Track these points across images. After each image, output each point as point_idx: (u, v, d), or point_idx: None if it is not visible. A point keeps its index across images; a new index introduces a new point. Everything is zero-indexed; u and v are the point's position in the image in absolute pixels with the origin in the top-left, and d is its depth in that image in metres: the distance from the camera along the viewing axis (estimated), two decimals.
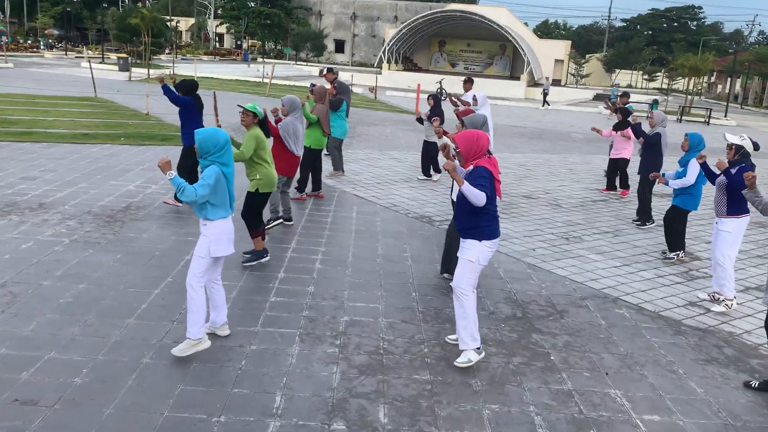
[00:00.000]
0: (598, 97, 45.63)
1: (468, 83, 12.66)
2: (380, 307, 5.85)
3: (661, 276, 7.30)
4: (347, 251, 7.33)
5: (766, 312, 5.10)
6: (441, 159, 6.76)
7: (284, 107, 7.89)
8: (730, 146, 6.17)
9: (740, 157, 6.15)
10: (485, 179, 4.64)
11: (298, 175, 8.82)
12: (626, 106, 12.29)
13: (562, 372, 4.90)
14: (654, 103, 32.61)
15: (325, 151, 10.08)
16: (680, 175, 7.53)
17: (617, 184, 11.73)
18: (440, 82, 34.52)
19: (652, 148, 9.25)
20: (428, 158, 11.64)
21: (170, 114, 17.80)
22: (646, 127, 9.64)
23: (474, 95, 10.50)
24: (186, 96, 8.46)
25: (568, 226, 9.25)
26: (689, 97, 35.79)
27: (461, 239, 4.87)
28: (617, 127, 11.36)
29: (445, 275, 6.57)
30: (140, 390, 4.23)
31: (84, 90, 22.37)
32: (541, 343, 5.37)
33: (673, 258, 7.83)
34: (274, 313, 5.55)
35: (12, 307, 5.28)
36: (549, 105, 34.05)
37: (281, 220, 8.07)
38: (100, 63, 36.73)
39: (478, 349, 4.90)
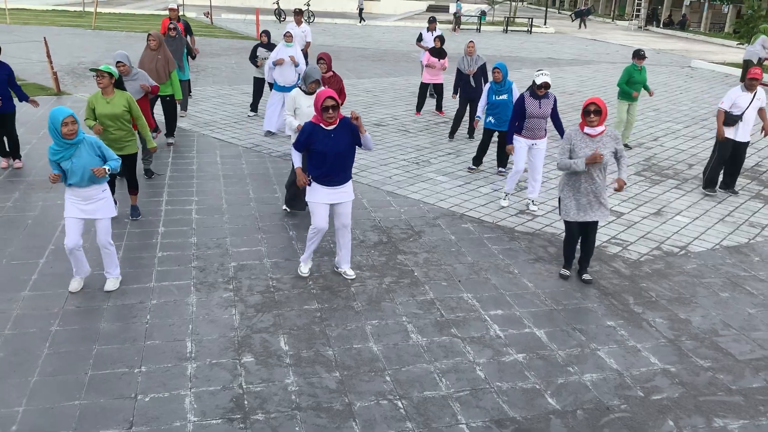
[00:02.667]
0: (431, 9, 46.94)
1: (299, 15, 13.03)
2: (263, 249, 6.49)
3: (496, 191, 8.53)
4: (220, 198, 7.79)
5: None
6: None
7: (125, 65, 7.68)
8: (548, 85, 7.30)
9: (546, 90, 7.38)
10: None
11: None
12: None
13: (425, 285, 5.91)
14: (482, 15, 34.36)
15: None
16: (503, 102, 8.65)
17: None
18: (277, 2, 33.81)
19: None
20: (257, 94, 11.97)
21: None
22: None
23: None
24: None
25: (417, 150, 10.25)
26: (513, 4, 38.03)
27: (344, 183, 5.59)
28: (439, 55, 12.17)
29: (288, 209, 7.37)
30: (58, 356, 4.64)
31: None
32: (406, 262, 6.34)
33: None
34: (164, 268, 6.01)
35: None
36: (364, 21, 34.41)
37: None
38: None
39: None
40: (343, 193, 5.66)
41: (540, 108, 7.45)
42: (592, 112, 5.66)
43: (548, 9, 42.61)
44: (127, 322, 5.09)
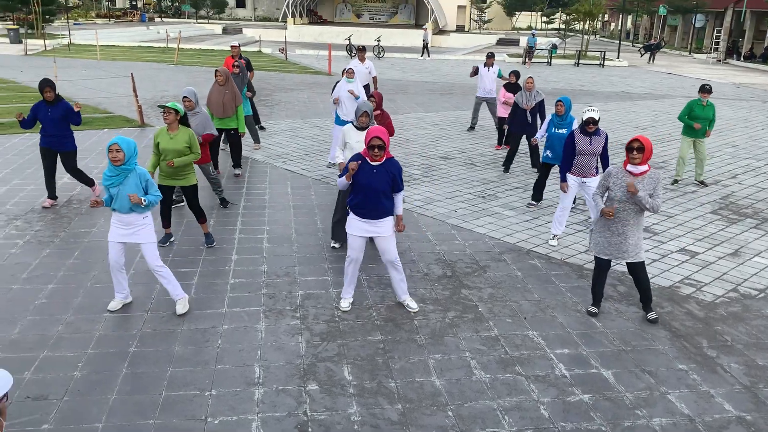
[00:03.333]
0: (501, 42, 47.11)
1: (362, 52, 13.40)
2: (329, 278, 6.64)
3: (567, 226, 8.43)
4: (290, 228, 8.03)
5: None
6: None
7: (191, 101, 7.95)
8: (595, 121, 7.22)
9: (597, 128, 7.34)
10: (401, 172, 5.69)
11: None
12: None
13: (489, 320, 5.89)
14: (553, 48, 34.22)
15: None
16: (562, 136, 8.54)
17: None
18: (349, 38, 34.73)
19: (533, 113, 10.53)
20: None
21: (81, 93, 17.53)
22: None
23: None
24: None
25: (483, 184, 10.27)
26: (585, 37, 37.67)
27: (379, 219, 5.68)
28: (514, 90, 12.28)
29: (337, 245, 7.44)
30: (135, 376, 4.87)
31: None
32: (470, 297, 6.35)
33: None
34: (236, 294, 6.23)
35: None
36: (429, 55, 34.74)
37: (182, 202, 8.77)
38: None
39: None
40: (379, 228, 5.72)
41: (590, 145, 7.36)
42: (635, 148, 5.56)
43: (621, 42, 41.98)
44: (200, 346, 5.31)
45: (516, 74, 12.27)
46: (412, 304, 6.03)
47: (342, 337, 5.51)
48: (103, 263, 6.81)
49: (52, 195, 8.56)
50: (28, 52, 28.40)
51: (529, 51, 32.18)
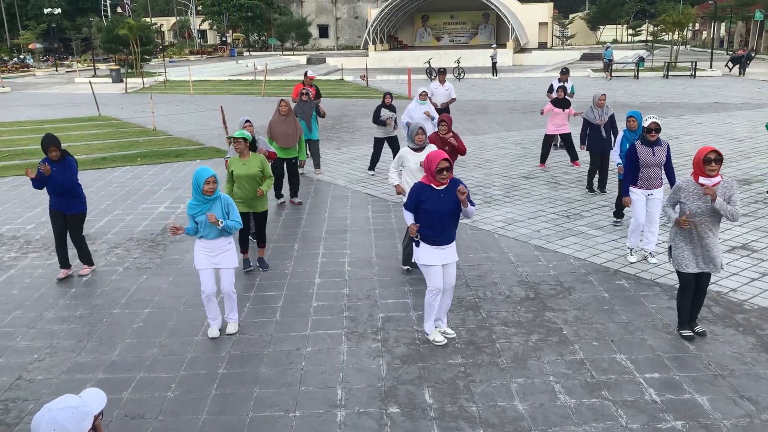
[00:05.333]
0: (585, 57, 46.12)
1: (442, 74, 13.47)
2: (409, 301, 6.67)
3: (656, 244, 8.09)
4: (370, 251, 8.14)
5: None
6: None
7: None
8: (658, 128, 7.08)
9: (658, 137, 7.19)
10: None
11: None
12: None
13: (574, 344, 5.73)
14: (640, 61, 33.17)
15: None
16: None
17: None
18: (429, 62, 35.03)
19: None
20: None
21: (176, 127, 18.54)
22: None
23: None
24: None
25: (567, 203, 10.04)
26: (674, 48, 36.30)
27: (449, 244, 5.60)
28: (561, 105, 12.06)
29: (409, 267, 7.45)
30: (224, 397, 5.06)
31: (86, 109, 23.05)
32: (554, 319, 6.20)
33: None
34: (319, 317, 6.37)
35: (94, 336, 6.10)
36: (497, 75, 34.28)
37: None
38: (93, 76, 37.23)
39: None
40: (449, 254, 5.63)
41: (654, 156, 7.17)
42: (713, 160, 5.37)
43: (714, 51, 40.10)
44: (284, 368, 5.45)
45: (564, 90, 12.06)
46: (450, 330, 5.92)
47: (423, 360, 5.51)
48: (195, 288, 7.14)
49: (64, 264, 7.57)
50: (128, 90, 30.38)
51: (608, 64, 31.35)
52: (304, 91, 11.79)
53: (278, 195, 10.38)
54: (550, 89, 13.78)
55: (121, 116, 21.43)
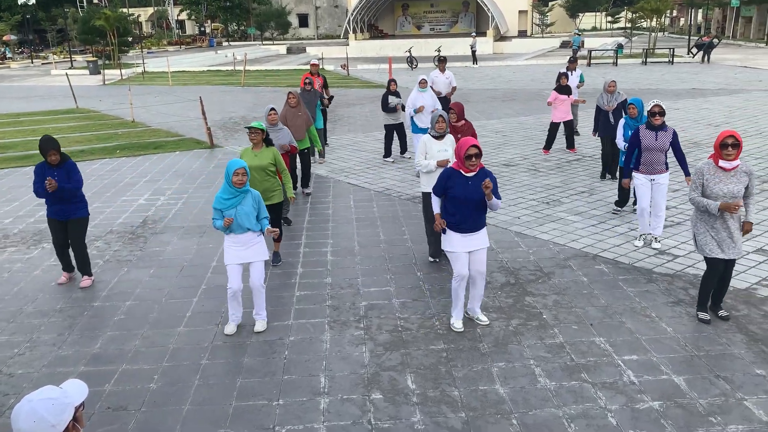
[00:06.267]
0: (565, 45, 46.28)
1: (443, 62, 13.48)
2: (391, 289, 6.71)
3: (633, 229, 8.21)
4: (353, 240, 8.16)
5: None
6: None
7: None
8: (662, 111, 7.17)
9: (663, 122, 7.26)
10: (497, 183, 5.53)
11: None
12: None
13: (554, 328, 5.81)
14: (619, 48, 33.35)
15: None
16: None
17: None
18: (409, 51, 34.95)
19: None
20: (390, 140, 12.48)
21: (155, 119, 18.37)
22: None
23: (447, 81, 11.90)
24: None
25: (547, 190, 10.12)
26: (653, 34, 36.53)
27: (477, 232, 5.61)
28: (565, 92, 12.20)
29: (436, 259, 7.36)
30: (207, 387, 5.07)
31: (63, 101, 22.73)
32: (534, 304, 6.27)
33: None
34: (301, 306, 6.39)
35: (75, 330, 6.07)
36: (477, 63, 34.35)
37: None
38: (70, 68, 36.70)
39: None
40: (478, 240, 5.64)
41: (656, 140, 7.22)
42: (730, 145, 5.41)
43: (691, 37, 40.40)
44: (268, 357, 5.46)
45: (566, 77, 12.26)
46: (483, 318, 5.95)
47: (405, 347, 5.56)
48: (177, 279, 7.12)
49: (68, 267, 7.25)
50: (106, 82, 30.01)
51: (576, 51, 31.45)
52: (307, 80, 11.77)
53: (294, 186, 10.28)
54: (558, 78, 13.82)
55: (99, 108, 21.17)
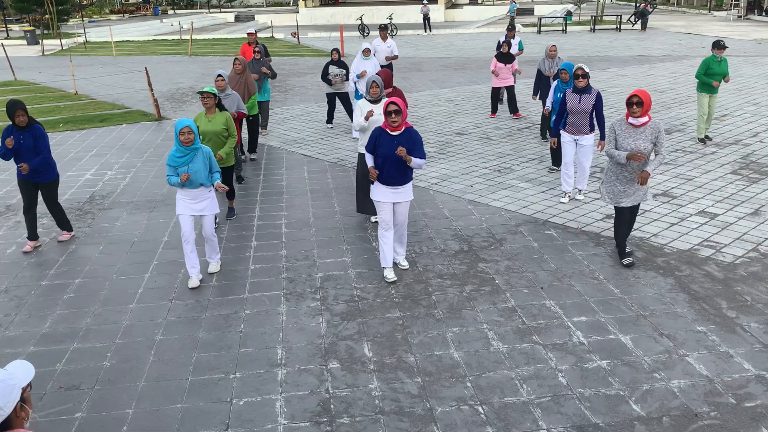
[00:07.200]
0: (517, 12, 46.41)
1: (384, 30, 13.45)
2: (347, 260, 6.73)
3: (584, 195, 8.39)
4: (307, 212, 8.13)
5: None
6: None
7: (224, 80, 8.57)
8: (585, 75, 7.59)
9: (588, 85, 7.72)
10: (421, 140, 5.89)
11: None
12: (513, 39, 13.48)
13: (506, 292, 5.94)
14: (568, 15, 33.64)
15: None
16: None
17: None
18: (361, 18, 34.53)
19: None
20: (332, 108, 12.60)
21: (99, 91, 17.78)
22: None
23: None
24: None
25: (499, 158, 10.24)
26: (601, 2, 36.94)
27: (400, 186, 6.01)
28: (505, 60, 12.39)
29: (371, 218, 7.71)
30: (162, 363, 5.03)
31: (0, 74, 21.75)
32: (487, 270, 6.39)
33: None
34: (257, 279, 6.36)
35: (23, 309, 5.92)
36: (431, 31, 34.37)
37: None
38: (6, 39, 35.06)
39: None
40: (402, 194, 6.07)
41: (580, 103, 7.71)
42: (635, 103, 5.92)
43: (636, 4, 41.03)
44: (223, 331, 5.44)
45: (508, 44, 12.45)
46: (404, 263, 6.45)
47: (361, 316, 5.61)
48: (128, 256, 6.99)
49: (32, 236, 7.25)
50: (45, 53, 28.79)
51: (512, 19, 31.67)
52: (257, 48, 11.51)
53: (242, 152, 10.32)
54: (498, 46, 13.90)
55: (39, 80, 20.34)
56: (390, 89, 8.16)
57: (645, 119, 5.98)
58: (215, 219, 7.57)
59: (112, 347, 5.26)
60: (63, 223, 7.47)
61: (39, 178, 7.11)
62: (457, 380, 4.68)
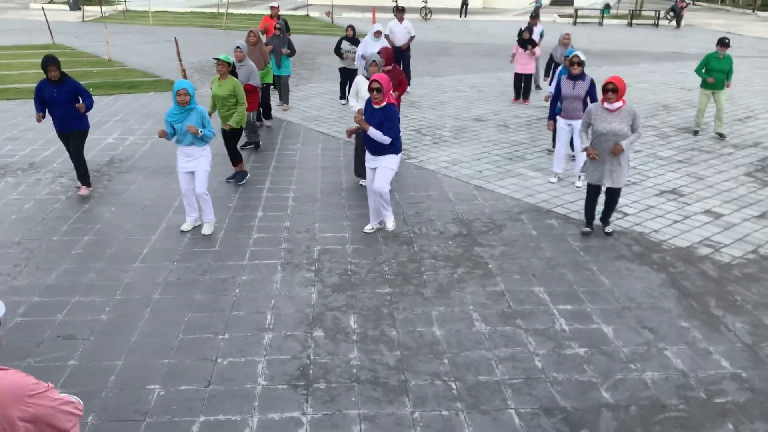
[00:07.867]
0: (555, 2, 45.73)
1: (400, 12, 13.59)
2: (347, 235, 6.88)
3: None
4: (316, 187, 8.28)
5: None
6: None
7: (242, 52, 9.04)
8: (580, 63, 7.84)
9: (582, 72, 7.97)
10: (395, 119, 6.36)
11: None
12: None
13: (497, 276, 6.03)
14: (606, 8, 33.07)
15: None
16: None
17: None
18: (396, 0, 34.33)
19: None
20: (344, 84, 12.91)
21: (132, 59, 18.12)
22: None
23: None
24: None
25: (513, 146, 10.26)
26: None
27: (377, 156, 6.60)
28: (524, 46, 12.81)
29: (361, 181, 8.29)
30: (156, 320, 5.25)
31: (40, 36, 22.25)
32: (481, 254, 6.49)
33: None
34: (257, 248, 6.55)
35: (32, 262, 6.19)
36: (466, 16, 34.06)
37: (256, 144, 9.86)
38: (49, 2, 35.72)
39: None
40: (379, 162, 6.63)
41: (573, 89, 7.99)
42: (610, 90, 6.32)
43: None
44: (218, 294, 5.65)
45: (530, 30, 12.86)
46: (389, 224, 6.89)
47: (352, 289, 5.76)
48: (137, 217, 7.23)
49: (85, 182, 7.92)
50: (85, 19, 29.31)
51: (537, 9, 31.16)
52: (277, 25, 11.71)
53: (258, 119, 10.84)
54: (520, 33, 13.87)
55: (75, 45, 20.77)
56: (389, 66, 8.48)
57: (619, 104, 6.39)
58: (233, 181, 8.31)
59: (111, 302, 5.50)
60: (84, 176, 7.88)
61: (70, 128, 7.65)
62: (435, 356, 4.81)
